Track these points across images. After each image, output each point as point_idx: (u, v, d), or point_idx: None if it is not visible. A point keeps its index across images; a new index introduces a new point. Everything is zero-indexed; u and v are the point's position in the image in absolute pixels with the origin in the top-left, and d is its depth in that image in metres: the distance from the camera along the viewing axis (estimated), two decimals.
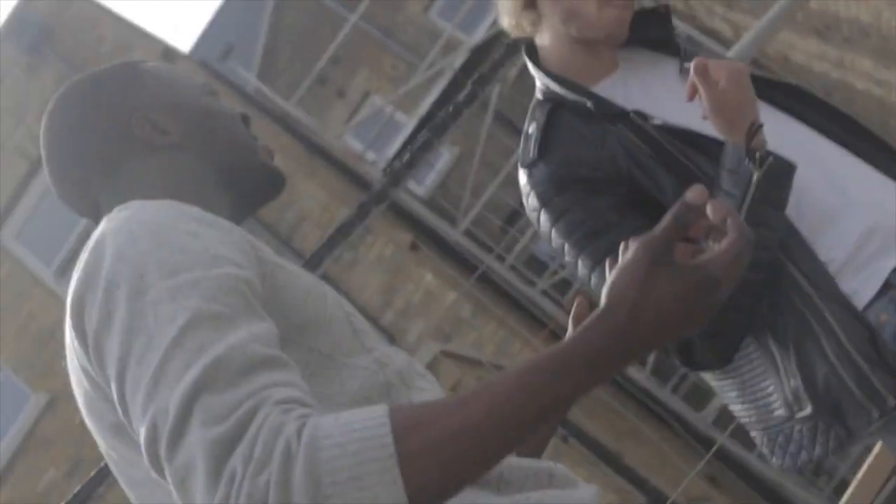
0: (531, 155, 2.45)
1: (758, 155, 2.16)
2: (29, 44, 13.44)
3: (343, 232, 3.64)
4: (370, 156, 17.73)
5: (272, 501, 1.24)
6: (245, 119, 1.94)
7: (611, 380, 1.37)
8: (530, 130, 2.50)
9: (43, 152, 1.90)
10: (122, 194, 1.75)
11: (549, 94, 2.49)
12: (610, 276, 1.36)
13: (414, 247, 11.83)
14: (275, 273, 1.60)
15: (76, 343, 1.56)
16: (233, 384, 1.33)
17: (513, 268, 11.86)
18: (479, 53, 15.39)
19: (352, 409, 1.36)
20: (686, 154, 2.31)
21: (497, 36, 15.17)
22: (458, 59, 16.14)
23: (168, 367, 1.36)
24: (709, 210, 1.40)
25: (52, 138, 1.88)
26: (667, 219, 1.36)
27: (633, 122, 2.35)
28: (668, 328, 1.34)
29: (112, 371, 1.44)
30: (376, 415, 1.31)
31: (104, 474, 3.85)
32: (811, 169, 2.28)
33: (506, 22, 2.60)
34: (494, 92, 13.87)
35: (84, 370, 1.58)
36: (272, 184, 1.93)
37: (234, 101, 14.87)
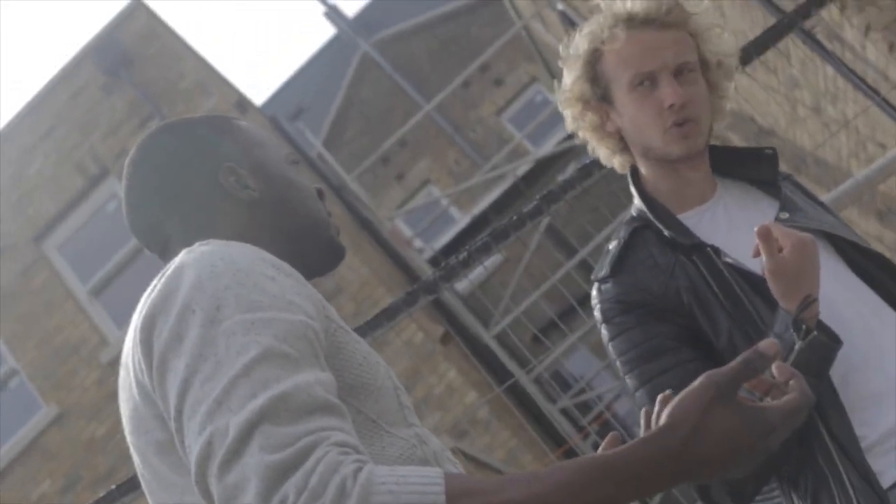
0: (604, 271, 2.52)
1: (804, 326, 2.20)
2: (109, 65, 13.58)
3: (388, 315, 3.70)
4: (417, 243, 17.83)
5: None
6: (320, 194, 2.03)
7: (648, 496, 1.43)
8: (610, 247, 2.57)
9: (125, 182, 1.98)
10: (197, 236, 1.83)
11: (638, 214, 2.57)
12: (675, 399, 1.43)
13: (445, 340, 11.84)
14: (337, 333, 1.67)
15: (139, 359, 1.62)
16: (295, 420, 1.41)
17: (537, 380, 11.85)
18: (544, 166, 15.51)
19: (406, 466, 1.45)
20: (750, 298, 2.35)
21: (564, 152, 15.33)
22: (522, 168, 16.26)
23: (233, 394, 1.44)
24: (775, 368, 1.50)
25: (138, 171, 1.96)
26: (738, 360, 1.45)
27: (707, 256, 2.40)
28: (718, 461, 1.41)
29: (174, 389, 1.52)
30: (432, 474, 1.39)
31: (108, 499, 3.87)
32: (868, 344, 2.33)
33: (590, 147, 2.71)
34: (546, 216, 13.95)
35: (140, 385, 1.64)
36: (334, 257, 2.02)
37: None
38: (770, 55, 8.85)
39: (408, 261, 14.38)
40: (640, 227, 2.53)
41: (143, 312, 1.63)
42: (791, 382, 1.50)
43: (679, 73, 2.47)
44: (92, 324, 12.70)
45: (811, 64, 8.37)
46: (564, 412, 11.90)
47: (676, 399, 1.44)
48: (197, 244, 1.70)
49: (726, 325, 2.37)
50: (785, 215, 2.44)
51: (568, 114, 2.66)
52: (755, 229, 2.20)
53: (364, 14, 28.44)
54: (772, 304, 2.31)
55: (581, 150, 3.09)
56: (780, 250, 2.23)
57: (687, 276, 2.41)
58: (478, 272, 14.46)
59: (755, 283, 2.35)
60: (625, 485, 1.38)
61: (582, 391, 14.68)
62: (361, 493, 1.34)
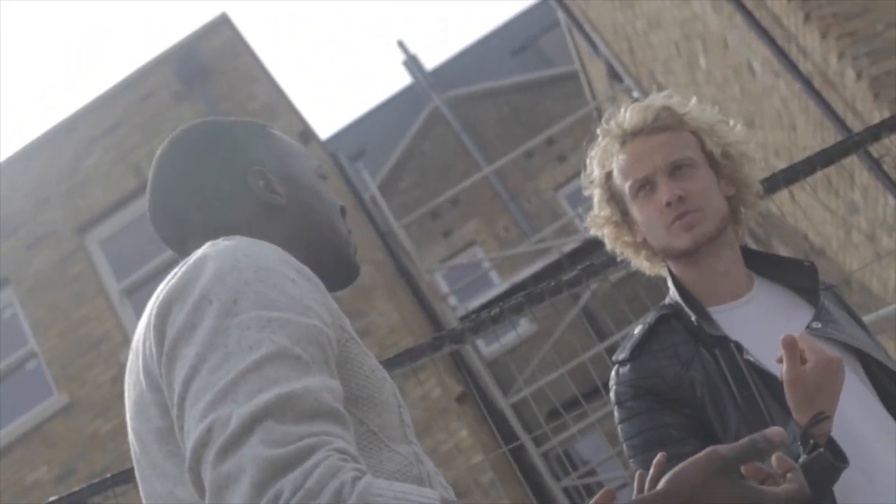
0: (624, 354, 2.56)
1: (812, 441, 2.19)
2: (185, 75, 13.74)
3: (411, 356, 3.68)
4: (452, 300, 17.82)
5: None
6: (343, 211, 2.04)
7: None
8: (635, 331, 2.60)
9: (152, 173, 2.00)
10: (217, 234, 1.82)
11: (670, 303, 2.62)
12: (677, 467, 1.43)
13: (461, 399, 11.81)
14: (348, 343, 1.66)
15: (150, 344, 1.62)
16: (299, 421, 1.40)
17: (545, 455, 11.78)
18: (591, 246, 15.49)
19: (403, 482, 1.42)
20: (765, 399, 2.35)
21: None
22: (570, 245, 16.26)
23: (240, 386, 1.43)
24: (775, 459, 1.49)
25: (167, 165, 1.98)
26: (744, 440, 1.43)
27: (729, 351, 2.41)
28: None
29: (181, 375, 1.51)
30: (430, 494, 1.37)
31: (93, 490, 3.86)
32: (875, 468, 2.31)
33: (633, 262, 2.80)
34: (588, 291, 13.93)
35: (147, 371, 1.63)
36: (348, 274, 2.02)
37: (347, 202, 15.06)
38: (834, 177, 8.85)
39: (439, 315, 14.37)
40: (668, 315, 2.57)
41: (161, 298, 1.63)
42: (789, 475, 1.50)
43: (674, 171, 2.55)
44: (118, 322, 12.74)
45: (873, 191, 8.35)
46: (567, 491, 11.80)
47: (679, 467, 1.43)
48: (222, 238, 1.71)
49: (735, 422, 2.38)
50: (817, 325, 2.45)
51: (603, 235, 2.77)
52: (780, 338, 2.20)
53: (442, 69, 28.63)
54: (787, 409, 2.29)
55: None
56: (804, 362, 2.22)
57: (704, 369, 2.43)
58: (510, 338, 14.43)
59: (772, 385, 2.35)
60: None
61: (588, 474, 14.56)
62: (358, 502, 1.32)
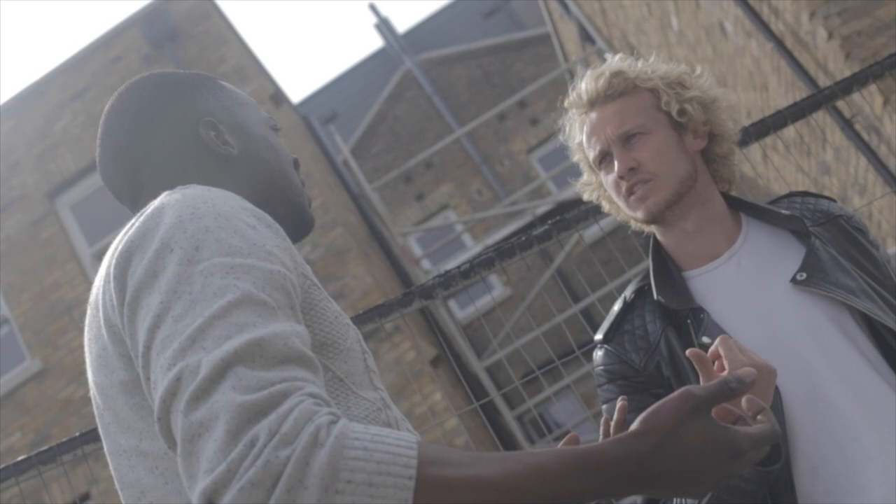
0: (599, 336, 2.57)
1: None
2: (155, 37, 13.66)
3: (381, 311, 3.66)
4: (425, 263, 17.81)
5: (286, 476, 1.27)
6: (296, 163, 2.04)
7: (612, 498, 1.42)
8: (615, 307, 2.60)
9: (102, 128, 1.96)
10: (170, 186, 1.80)
11: (645, 273, 2.61)
12: (651, 407, 1.44)
13: (436, 362, 11.82)
14: (311, 289, 1.65)
15: (111, 296, 1.59)
16: (269, 366, 1.38)
17: (519, 419, 11.81)
18: (563, 209, 15.50)
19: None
20: None
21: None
22: (542, 208, 16.26)
23: (208, 333, 1.41)
24: (745, 400, 1.51)
25: (118, 118, 1.95)
26: (716, 381, 1.45)
27: (698, 318, 2.40)
28: (682, 475, 1.41)
29: (144, 324, 1.48)
30: (408, 438, 1.36)
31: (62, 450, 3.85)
32: (847, 439, 2.26)
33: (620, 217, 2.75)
34: (563, 251, 13.96)
35: (108, 323, 1.61)
36: (303, 225, 1.99)
37: (320, 165, 15.01)
38: (807, 136, 8.86)
39: (413, 278, 14.36)
40: (645, 286, 2.56)
41: (119, 248, 1.60)
42: (760, 416, 1.51)
43: (626, 140, 2.52)
44: (90, 286, 12.67)
45: (845, 153, 8.36)
46: None
47: (653, 407, 1.44)
48: (179, 188, 1.68)
49: None
50: (802, 276, 2.38)
51: (598, 199, 2.74)
52: (687, 352, 2.10)
53: (414, 32, 28.53)
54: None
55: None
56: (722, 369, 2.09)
57: (668, 347, 2.42)
58: (484, 301, 14.42)
59: None
60: (594, 480, 1.37)
61: (563, 436, 14.64)
62: (335, 445, 1.31)
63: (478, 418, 11.52)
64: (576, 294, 17.33)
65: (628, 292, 2.58)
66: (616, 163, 2.51)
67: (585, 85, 2.61)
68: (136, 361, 1.52)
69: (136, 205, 1.91)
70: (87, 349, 1.75)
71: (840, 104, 7.80)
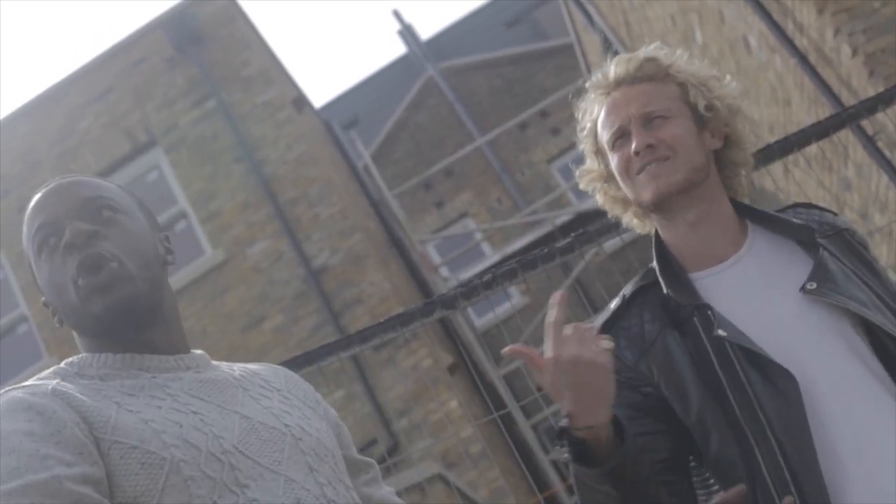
0: (596, 328, 2.48)
1: (566, 436, 2.18)
2: (179, 40, 13.70)
3: (402, 320, 3.68)
4: (443, 271, 17.82)
5: None
6: (67, 249, 1.97)
7: None
8: (612, 304, 2.57)
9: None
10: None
11: (648, 270, 2.55)
12: None
13: (452, 369, 11.82)
14: (110, 450, 1.75)
15: None
16: None
17: (535, 428, 11.80)
18: (583, 220, 15.50)
19: None
20: (745, 369, 2.30)
21: (605, 211, 15.26)
22: (562, 218, 16.26)
23: None
24: None
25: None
26: None
27: (705, 317, 2.36)
28: None
29: None
30: None
31: None
32: (854, 443, 2.24)
33: (623, 220, 2.71)
34: (582, 262, 13.96)
35: None
36: (90, 311, 1.98)
37: (340, 171, 15.03)
38: (829, 152, 8.85)
39: (431, 286, 14.37)
40: (646, 285, 2.51)
41: None
42: None
43: (648, 121, 2.48)
44: None
45: (867, 169, 8.34)
46: (555, 465, 11.83)
47: None
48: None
49: (696, 398, 2.35)
50: (812, 285, 2.35)
51: (594, 191, 2.69)
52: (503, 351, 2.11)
53: (437, 39, 28.53)
54: (771, 380, 2.27)
55: None
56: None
57: (665, 348, 2.40)
58: (503, 309, 14.40)
59: (753, 358, 2.30)
60: None
61: None
62: None
63: (494, 426, 11.51)
64: (594, 303, 17.31)
65: (628, 290, 2.54)
66: (634, 139, 2.47)
67: (615, 66, 2.57)
68: None
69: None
70: None
71: (863, 121, 7.79)
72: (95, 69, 14.03)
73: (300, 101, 14.74)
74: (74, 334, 2.02)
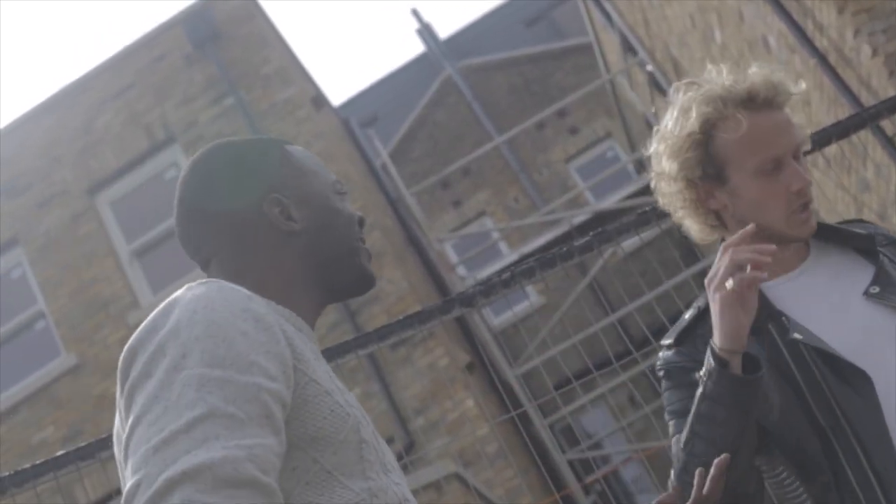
0: (669, 340, 2.57)
1: (716, 354, 2.29)
2: (197, 37, 13.72)
3: (421, 318, 3.68)
4: (460, 270, 17.82)
5: None
6: (361, 222, 2.09)
7: None
8: (687, 315, 2.59)
9: (176, 195, 2.07)
10: (232, 260, 1.98)
11: None
12: None
13: (469, 368, 11.81)
14: (307, 387, 1.76)
15: (119, 384, 1.77)
16: (216, 490, 1.53)
17: (551, 427, 11.79)
18: (601, 219, 15.48)
19: None
20: (822, 372, 2.33)
21: (623, 210, 15.30)
22: (579, 217, 16.23)
23: (171, 445, 1.56)
24: None
25: (187, 189, 2.05)
26: None
27: (781, 325, 2.40)
28: None
29: (130, 421, 1.65)
30: None
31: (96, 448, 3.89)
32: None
33: (685, 224, 2.68)
34: (600, 261, 13.93)
35: (119, 410, 1.78)
36: (363, 285, 2.07)
37: (358, 169, 15.03)
38: (848, 153, 8.82)
39: (448, 285, 14.37)
40: None
41: (131, 341, 1.76)
42: None
43: (797, 155, 2.47)
44: (127, 283, 12.75)
45: (886, 170, 8.31)
46: (571, 464, 11.82)
47: None
48: (197, 282, 1.82)
49: (779, 400, 2.38)
50: (875, 289, 2.41)
51: (664, 188, 2.62)
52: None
53: (455, 38, 28.52)
54: (846, 380, 2.31)
55: (639, 209, 3.08)
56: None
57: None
58: (520, 308, 14.42)
59: (830, 361, 2.34)
60: None
61: (594, 447, 14.58)
62: None
63: (510, 425, 11.51)
64: (612, 304, 17.29)
65: (701, 302, 2.55)
66: (792, 174, 2.44)
67: (756, 81, 2.50)
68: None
69: (206, 268, 2.04)
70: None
71: (883, 122, 7.76)
72: (115, 66, 14.07)
73: (319, 100, 14.75)
74: (267, 262, 1.98)
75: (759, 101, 2.49)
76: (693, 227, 2.66)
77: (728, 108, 2.49)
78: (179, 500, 1.49)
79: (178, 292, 1.79)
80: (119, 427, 1.78)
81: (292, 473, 1.71)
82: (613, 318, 8.29)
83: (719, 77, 2.55)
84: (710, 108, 2.51)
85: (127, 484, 1.57)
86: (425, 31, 28.59)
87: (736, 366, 2.28)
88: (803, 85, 2.58)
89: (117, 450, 1.82)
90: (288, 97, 13.36)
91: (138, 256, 13.08)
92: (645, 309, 12.78)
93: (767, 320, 2.42)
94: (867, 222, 2.67)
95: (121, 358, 1.75)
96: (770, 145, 2.46)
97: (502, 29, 27.79)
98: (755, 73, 2.54)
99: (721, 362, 2.28)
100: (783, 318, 2.41)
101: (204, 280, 1.82)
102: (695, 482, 2.10)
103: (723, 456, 2.08)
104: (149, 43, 14.11)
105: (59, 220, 13.24)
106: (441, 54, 26.90)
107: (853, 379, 2.32)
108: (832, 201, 10.30)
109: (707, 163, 2.53)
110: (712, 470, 2.09)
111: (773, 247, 2.23)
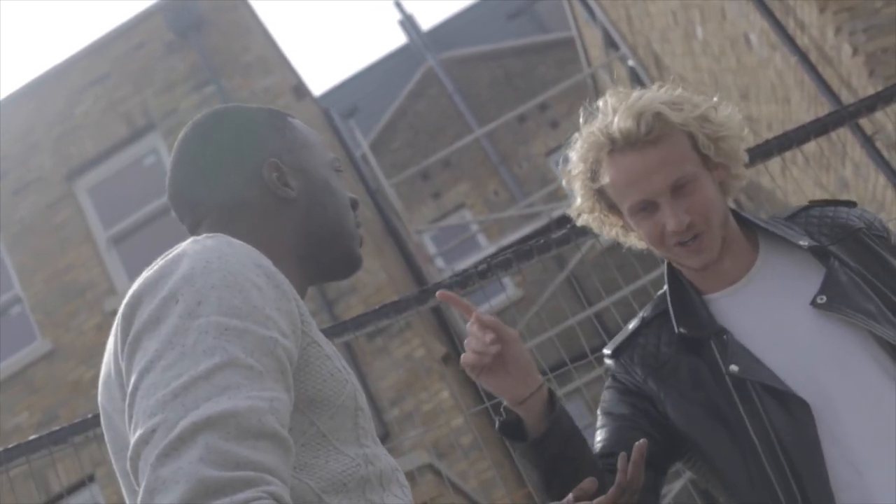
0: (610, 349, 2.58)
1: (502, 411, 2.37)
2: (179, 26, 13.67)
3: (398, 308, 3.67)
4: (439, 262, 17.82)
5: None
6: (354, 203, 2.08)
7: None
8: (630, 325, 2.58)
9: (172, 157, 2.05)
10: (227, 221, 1.93)
11: (662, 297, 2.57)
12: None
13: (445, 359, 11.81)
14: (309, 348, 1.73)
15: (119, 329, 1.68)
16: (242, 439, 1.46)
17: None
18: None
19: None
20: (759, 394, 2.31)
21: None
22: (558, 211, 16.25)
23: (190, 391, 1.49)
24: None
25: (188, 148, 2.03)
26: None
27: (722, 341, 2.38)
28: None
29: (138, 366, 1.57)
30: None
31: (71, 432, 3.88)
32: (865, 465, 2.23)
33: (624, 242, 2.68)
34: (578, 254, 13.94)
35: (115, 356, 1.70)
36: (349, 267, 2.06)
37: (339, 159, 15.01)
38: (827, 150, 8.84)
39: (426, 276, 14.37)
40: (665, 311, 2.52)
41: (134, 289, 1.70)
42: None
43: (676, 190, 2.37)
44: (104, 270, 12.71)
45: (864, 169, 8.34)
46: None
47: None
48: (204, 235, 1.77)
49: (705, 423, 2.39)
50: (822, 299, 2.33)
51: (587, 220, 2.61)
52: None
53: (438, 30, 28.52)
54: (784, 406, 2.28)
55: None
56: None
57: (677, 374, 2.44)
58: (497, 300, 14.40)
59: (767, 387, 2.31)
60: None
61: None
62: None
63: (485, 417, 11.52)
64: (589, 297, 17.31)
65: (647, 313, 2.54)
66: (668, 214, 2.37)
67: (620, 122, 2.40)
68: (126, 398, 1.60)
69: (194, 231, 1.99)
70: (102, 371, 1.84)
71: (862, 121, 7.79)
72: (95, 52, 14.01)
73: (300, 89, 14.72)
74: (265, 234, 1.95)
75: (622, 145, 2.41)
76: (631, 242, 2.63)
77: (601, 152, 2.45)
78: (203, 445, 1.42)
79: (184, 244, 1.74)
80: (112, 376, 1.72)
81: (289, 433, 1.67)
82: (590, 311, 8.30)
83: (605, 109, 2.48)
84: (590, 153, 2.48)
85: (137, 430, 1.50)
86: (407, 23, 28.59)
87: (533, 417, 2.34)
88: (673, 101, 2.44)
89: (105, 398, 1.78)
90: (268, 86, 13.34)
91: (116, 243, 13.03)
92: (622, 303, 12.80)
93: (710, 337, 2.39)
94: (832, 204, 2.59)
95: (123, 304, 1.68)
96: (636, 190, 2.40)
97: (485, 22, 27.79)
98: (626, 109, 2.42)
99: (501, 424, 2.39)
100: (724, 336, 2.37)
101: (210, 234, 1.77)
102: (618, 466, 2.09)
103: (641, 441, 2.07)
104: (129, 30, 14.06)
105: (35, 207, 13.20)
106: (423, 46, 26.90)
107: (791, 405, 2.27)
108: (811, 198, 10.33)
109: (601, 197, 2.52)
110: (633, 453, 2.08)
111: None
